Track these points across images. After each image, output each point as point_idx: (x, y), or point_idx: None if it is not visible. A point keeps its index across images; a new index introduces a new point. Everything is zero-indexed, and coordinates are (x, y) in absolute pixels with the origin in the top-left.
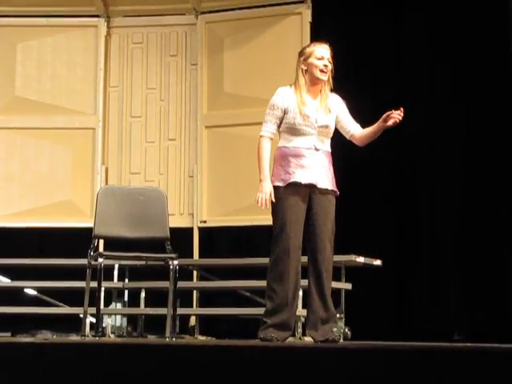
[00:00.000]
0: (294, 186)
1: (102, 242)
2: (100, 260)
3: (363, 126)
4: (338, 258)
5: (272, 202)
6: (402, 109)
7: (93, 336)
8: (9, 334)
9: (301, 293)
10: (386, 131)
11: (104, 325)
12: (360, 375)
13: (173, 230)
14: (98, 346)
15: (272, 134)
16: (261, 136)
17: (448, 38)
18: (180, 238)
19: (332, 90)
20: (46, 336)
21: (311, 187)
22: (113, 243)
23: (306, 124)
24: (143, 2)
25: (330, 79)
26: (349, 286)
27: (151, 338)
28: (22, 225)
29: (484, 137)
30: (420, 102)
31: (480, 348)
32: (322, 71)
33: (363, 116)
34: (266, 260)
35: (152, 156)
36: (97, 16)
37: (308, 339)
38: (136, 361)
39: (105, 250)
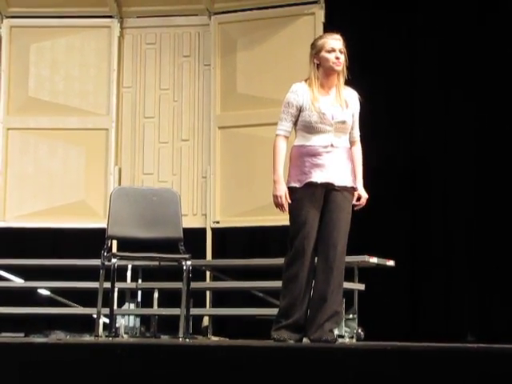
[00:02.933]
0: (311, 186)
1: (115, 242)
2: (113, 260)
3: (373, 129)
4: (351, 258)
5: (288, 202)
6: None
7: (106, 336)
8: (22, 335)
9: None
10: (400, 134)
11: (117, 325)
12: (373, 376)
13: (186, 231)
14: (111, 347)
15: (287, 132)
16: (276, 135)
17: (462, 35)
18: (193, 238)
19: (345, 82)
20: (59, 336)
21: (328, 185)
22: (126, 244)
23: (322, 122)
24: (156, 3)
25: (345, 70)
26: (362, 286)
27: (164, 339)
28: (35, 225)
29: (498, 140)
30: (434, 105)
31: (493, 349)
32: (334, 63)
33: (376, 117)
34: (279, 261)
35: (165, 156)
36: (110, 17)
37: None
38: (149, 361)
39: (118, 250)
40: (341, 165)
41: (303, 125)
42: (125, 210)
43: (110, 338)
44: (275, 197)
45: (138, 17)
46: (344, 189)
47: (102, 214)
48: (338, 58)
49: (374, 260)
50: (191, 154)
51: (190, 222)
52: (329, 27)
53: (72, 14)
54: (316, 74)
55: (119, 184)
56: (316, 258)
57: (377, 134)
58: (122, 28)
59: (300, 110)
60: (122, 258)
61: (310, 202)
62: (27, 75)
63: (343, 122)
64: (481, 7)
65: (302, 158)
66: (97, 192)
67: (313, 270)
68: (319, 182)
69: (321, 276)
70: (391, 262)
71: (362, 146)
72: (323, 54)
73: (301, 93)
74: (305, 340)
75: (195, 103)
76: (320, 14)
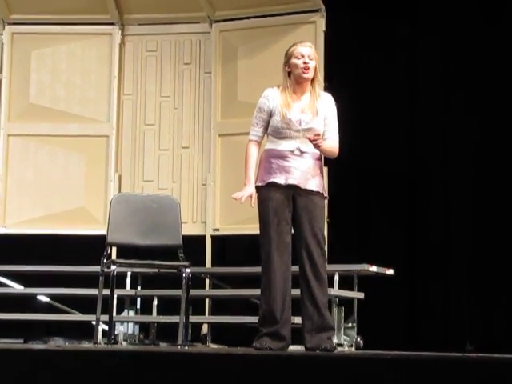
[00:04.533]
0: (275, 187)
1: (114, 249)
2: (113, 267)
3: (377, 135)
4: (350, 266)
5: (258, 204)
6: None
7: (105, 343)
8: (21, 341)
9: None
10: (400, 143)
11: (116, 332)
12: None
13: (185, 238)
14: (110, 354)
15: (259, 137)
16: (249, 140)
17: (462, 47)
18: (192, 245)
19: (326, 89)
20: (58, 343)
21: (294, 189)
22: (125, 251)
23: (289, 127)
24: (158, 11)
25: (319, 77)
26: (361, 295)
27: (163, 346)
28: (35, 231)
29: (499, 146)
30: (433, 112)
31: (492, 358)
32: (303, 69)
33: (375, 124)
34: None
35: (165, 164)
36: (111, 24)
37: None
38: (148, 368)
39: (117, 257)
40: (307, 170)
41: (272, 130)
42: (125, 217)
43: (109, 345)
44: (240, 192)
45: (139, 24)
46: (311, 193)
47: (101, 221)
48: (306, 63)
49: (373, 268)
50: (191, 162)
51: (190, 229)
52: (330, 36)
53: (73, 21)
54: (288, 81)
55: (119, 191)
56: (299, 269)
57: (375, 140)
58: (123, 35)
59: (270, 114)
60: (121, 264)
61: (275, 203)
62: (28, 82)
63: (310, 130)
64: (483, 9)
65: (269, 160)
66: (97, 199)
67: (287, 275)
68: (283, 183)
69: (302, 284)
70: (391, 271)
71: (362, 152)
72: (292, 60)
73: (271, 98)
74: (299, 348)
75: (196, 110)
76: (321, 22)
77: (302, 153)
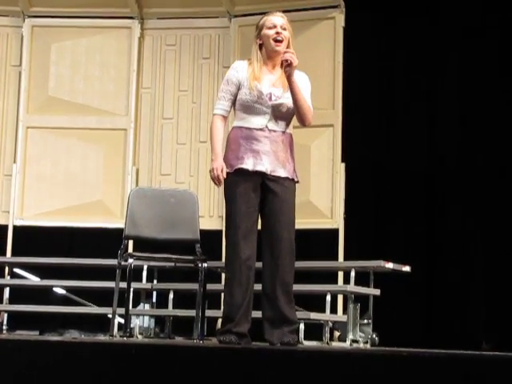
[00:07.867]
0: (244, 173)
1: (131, 242)
2: (130, 261)
3: (395, 132)
4: (366, 263)
5: (224, 190)
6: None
7: (120, 336)
8: (37, 333)
9: (328, 297)
10: (418, 140)
11: (132, 325)
12: (386, 382)
13: (202, 233)
14: (126, 347)
15: (225, 111)
16: (213, 115)
17: (482, 42)
18: (209, 240)
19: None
20: (74, 335)
21: (263, 175)
22: (141, 244)
23: (258, 102)
24: (177, 5)
25: (292, 50)
26: (377, 291)
27: (179, 340)
28: (52, 224)
29: None
30: (453, 110)
31: (508, 357)
32: (275, 40)
33: (393, 122)
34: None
35: (183, 158)
36: (131, 18)
37: (336, 344)
38: (163, 362)
39: (134, 250)
40: (277, 154)
41: (240, 103)
42: (142, 211)
43: (125, 338)
44: (211, 170)
45: (158, 18)
46: (280, 179)
47: (118, 214)
48: (278, 34)
49: (389, 265)
50: (209, 156)
51: (207, 223)
52: (349, 32)
53: (93, 14)
54: (258, 54)
55: (136, 184)
56: (262, 256)
57: (393, 137)
58: (142, 29)
59: (238, 87)
60: (138, 258)
61: (243, 189)
62: (47, 74)
63: (280, 105)
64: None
65: (237, 141)
66: (114, 192)
67: (251, 267)
68: (250, 169)
69: (267, 273)
70: (407, 268)
71: (380, 149)
72: (264, 31)
73: (240, 69)
74: (319, 344)
75: (214, 105)
76: (340, 18)
77: (270, 131)
